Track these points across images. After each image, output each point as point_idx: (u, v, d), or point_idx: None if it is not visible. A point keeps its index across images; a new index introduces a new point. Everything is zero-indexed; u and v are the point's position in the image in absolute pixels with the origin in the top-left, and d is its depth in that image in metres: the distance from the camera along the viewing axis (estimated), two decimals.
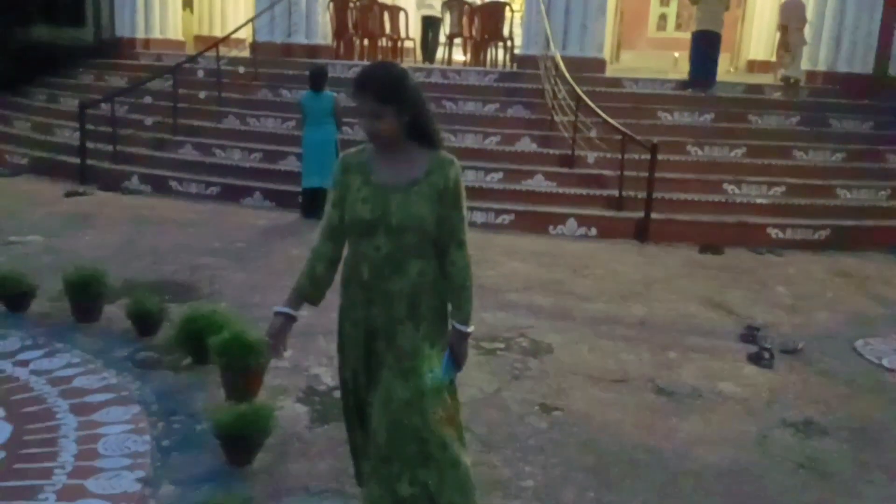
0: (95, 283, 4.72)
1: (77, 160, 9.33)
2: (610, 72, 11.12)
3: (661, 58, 14.89)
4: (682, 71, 10.97)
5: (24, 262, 5.63)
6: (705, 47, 10.29)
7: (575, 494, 3.14)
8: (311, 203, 7.74)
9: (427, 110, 2.43)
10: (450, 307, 2.55)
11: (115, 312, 4.73)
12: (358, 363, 2.54)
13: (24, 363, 4.07)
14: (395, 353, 2.46)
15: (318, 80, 7.77)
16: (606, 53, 12.85)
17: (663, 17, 16.38)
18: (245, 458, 3.17)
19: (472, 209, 8.13)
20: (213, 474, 3.11)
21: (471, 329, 2.54)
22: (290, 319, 2.50)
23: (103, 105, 9.64)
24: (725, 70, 13.58)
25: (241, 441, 3.13)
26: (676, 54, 14.38)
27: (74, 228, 7.11)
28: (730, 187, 8.47)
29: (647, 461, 3.42)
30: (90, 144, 9.39)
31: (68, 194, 8.56)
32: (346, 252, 2.53)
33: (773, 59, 13.01)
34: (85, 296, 4.70)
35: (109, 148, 9.45)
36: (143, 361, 4.16)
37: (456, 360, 2.55)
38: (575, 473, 3.30)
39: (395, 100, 2.33)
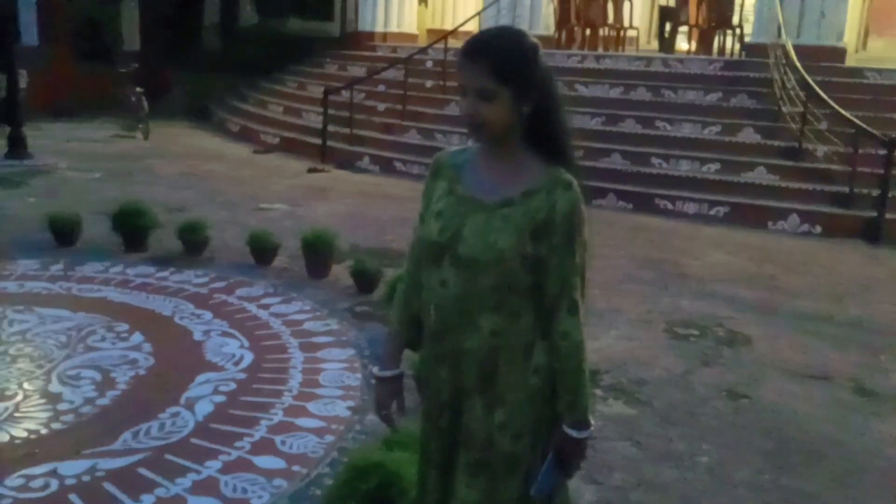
0: (327, 245, 5.40)
1: (319, 141, 10.40)
2: (852, 61, 10.30)
3: None
4: None
5: (270, 224, 6.48)
6: None
7: (749, 475, 3.16)
8: None
9: (561, 108, 1.77)
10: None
11: (341, 271, 5.36)
12: (438, 447, 1.89)
13: (266, 307, 4.78)
14: (462, 437, 1.83)
15: None
16: (851, 42, 11.90)
17: None
18: None
19: (683, 199, 8.05)
20: (410, 410, 3.50)
21: (587, 434, 1.78)
22: (396, 380, 1.97)
23: (344, 92, 10.65)
24: None
25: None
26: None
27: (313, 199, 8.01)
28: None
29: (832, 453, 3.34)
30: (331, 127, 10.42)
31: (310, 170, 9.60)
32: None
33: None
34: (318, 255, 5.38)
35: (346, 131, 10.42)
36: (361, 314, 4.73)
37: (563, 469, 1.81)
38: (753, 456, 3.31)
39: (517, 79, 1.67)
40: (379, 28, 13.75)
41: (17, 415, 3.34)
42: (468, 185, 1.80)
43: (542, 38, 11.66)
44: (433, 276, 1.79)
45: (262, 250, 5.63)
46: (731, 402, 3.84)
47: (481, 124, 1.71)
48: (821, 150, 8.14)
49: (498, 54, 1.68)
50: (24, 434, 3.20)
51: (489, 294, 1.73)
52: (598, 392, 3.83)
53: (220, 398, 3.58)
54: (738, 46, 11.15)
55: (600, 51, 11.96)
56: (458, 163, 1.85)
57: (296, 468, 3.04)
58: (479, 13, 11.93)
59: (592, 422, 1.80)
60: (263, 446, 3.19)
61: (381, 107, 11.00)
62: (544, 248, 1.72)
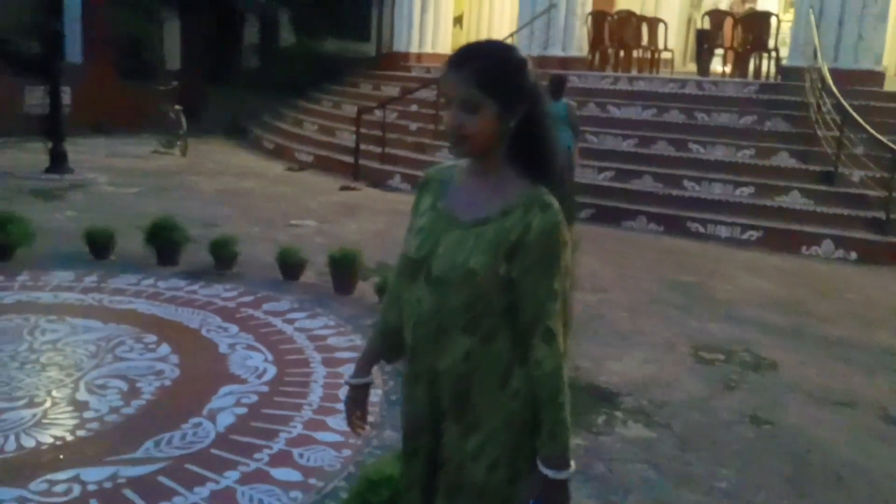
0: (353, 262, 5.46)
1: (352, 159, 10.54)
2: (892, 85, 10.17)
3: None
4: None
5: (300, 241, 6.56)
6: None
7: (768, 499, 3.12)
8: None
9: (548, 125, 1.72)
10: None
11: (366, 288, 5.41)
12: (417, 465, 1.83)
13: (291, 321, 4.85)
14: (440, 459, 1.77)
15: (555, 88, 8.05)
16: (891, 65, 11.75)
17: None
18: None
19: (715, 222, 7.98)
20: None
21: (565, 475, 1.66)
22: (364, 388, 1.95)
23: (377, 111, 10.78)
24: None
25: None
26: None
27: (343, 217, 8.11)
28: None
29: (854, 480, 3.28)
30: (363, 146, 10.55)
31: (342, 188, 9.73)
32: None
33: None
34: (344, 272, 5.44)
35: (379, 150, 10.54)
36: None
37: None
38: (772, 480, 3.26)
39: (502, 91, 1.62)
40: (414, 49, 13.91)
41: (44, 421, 3.43)
42: (449, 201, 1.74)
43: (574, 59, 11.77)
44: (411, 292, 1.74)
45: (290, 266, 5.71)
46: (754, 427, 3.78)
47: (464, 137, 1.64)
48: (857, 174, 8.04)
49: (483, 65, 1.63)
50: (51, 440, 3.28)
51: (461, 314, 1.66)
52: (618, 414, 3.82)
53: (241, 410, 3.64)
54: (774, 70, 11.07)
55: (634, 72, 11.95)
56: (444, 178, 1.79)
57: (312, 481, 3.08)
58: (512, 34, 12.00)
59: (573, 463, 1.66)
60: (282, 459, 3.23)
61: (414, 126, 11.11)
62: (517, 269, 1.63)
